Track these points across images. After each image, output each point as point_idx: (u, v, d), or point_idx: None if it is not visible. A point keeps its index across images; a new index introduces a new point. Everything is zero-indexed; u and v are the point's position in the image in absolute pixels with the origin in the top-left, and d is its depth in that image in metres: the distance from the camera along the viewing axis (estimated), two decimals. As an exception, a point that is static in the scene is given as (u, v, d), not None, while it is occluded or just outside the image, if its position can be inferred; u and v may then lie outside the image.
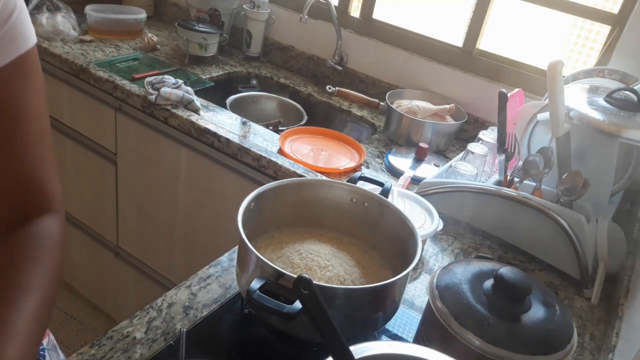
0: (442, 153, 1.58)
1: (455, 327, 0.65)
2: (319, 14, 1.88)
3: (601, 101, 1.12)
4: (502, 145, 1.18)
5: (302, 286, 0.53)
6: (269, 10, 1.95)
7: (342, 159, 1.42)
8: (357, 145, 1.47)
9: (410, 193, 1.09)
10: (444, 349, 0.57)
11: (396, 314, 0.78)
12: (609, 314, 1.01)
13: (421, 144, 1.47)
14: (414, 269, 0.83)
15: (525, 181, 1.18)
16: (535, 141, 1.28)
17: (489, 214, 1.16)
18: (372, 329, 0.75)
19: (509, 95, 1.30)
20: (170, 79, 1.52)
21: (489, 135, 1.34)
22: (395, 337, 0.85)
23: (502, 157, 1.19)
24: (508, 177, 1.19)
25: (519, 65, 1.62)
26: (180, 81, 1.53)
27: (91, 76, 1.61)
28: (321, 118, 1.81)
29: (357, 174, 0.93)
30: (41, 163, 0.59)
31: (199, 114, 1.48)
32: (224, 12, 1.97)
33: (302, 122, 1.70)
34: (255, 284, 0.63)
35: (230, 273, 0.92)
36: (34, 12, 1.76)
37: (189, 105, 1.49)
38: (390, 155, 1.46)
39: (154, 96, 1.47)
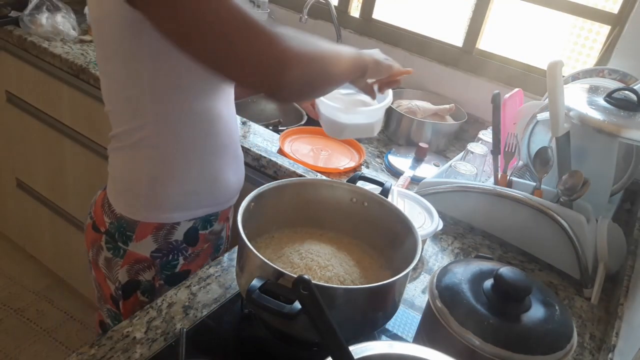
0: (442, 153, 1.58)
1: (455, 327, 0.65)
2: (318, 14, 1.88)
3: (601, 101, 1.12)
4: (496, 145, 1.18)
5: (301, 287, 0.53)
6: (269, 10, 1.95)
7: (342, 158, 1.42)
8: (357, 145, 1.47)
9: (410, 193, 1.09)
10: (444, 349, 0.57)
11: (396, 314, 0.79)
12: (609, 314, 1.01)
13: (421, 144, 1.47)
14: (414, 269, 0.84)
15: (525, 181, 1.18)
16: (535, 141, 1.28)
17: (489, 213, 1.16)
18: (372, 329, 0.75)
19: (508, 95, 1.30)
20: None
21: (489, 135, 1.34)
22: (395, 337, 0.85)
23: (497, 157, 1.20)
24: (508, 177, 1.19)
25: (518, 65, 1.62)
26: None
27: (91, 76, 1.61)
28: (321, 118, 1.81)
29: (357, 173, 0.93)
30: None
31: (199, 114, 1.48)
32: (224, 12, 1.97)
33: (302, 122, 1.70)
34: (255, 284, 0.63)
35: (230, 273, 0.92)
36: (34, 12, 1.76)
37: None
38: (390, 155, 1.46)
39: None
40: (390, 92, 1.11)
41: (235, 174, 1.02)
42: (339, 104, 1.09)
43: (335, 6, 1.85)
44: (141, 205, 0.93)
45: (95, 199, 1.00)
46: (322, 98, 1.08)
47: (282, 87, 0.70)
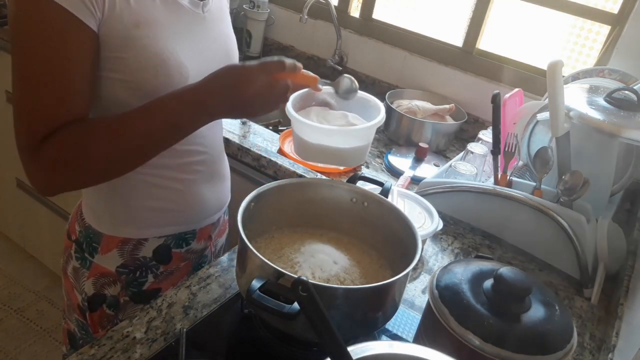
0: (442, 153, 1.58)
1: (455, 327, 0.65)
2: (318, 14, 1.88)
3: (601, 101, 1.12)
4: (496, 145, 1.18)
5: (300, 288, 0.53)
6: (269, 10, 1.95)
7: (342, 159, 1.41)
8: (357, 145, 1.47)
9: (410, 193, 1.09)
10: (444, 349, 0.57)
11: (396, 314, 0.78)
12: (609, 313, 1.01)
13: (421, 144, 1.47)
14: (414, 268, 0.84)
15: (525, 181, 1.18)
16: (535, 141, 1.28)
17: (489, 213, 1.16)
18: (372, 329, 0.75)
19: (508, 95, 1.30)
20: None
21: (489, 135, 1.34)
22: (395, 337, 0.85)
23: (497, 157, 1.20)
24: (508, 177, 1.19)
25: (519, 65, 1.62)
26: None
27: (91, 76, 1.61)
28: (321, 118, 1.81)
29: (357, 173, 0.93)
30: None
31: (199, 114, 1.48)
32: (224, 12, 1.97)
33: (302, 122, 1.70)
34: (255, 284, 0.63)
35: (230, 273, 0.92)
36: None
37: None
38: (390, 155, 1.46)
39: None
40: (381, 114, 0.89)
41: (213, 192, 0.97)
42: (315, 119, 0.86)
43: (335, 6, 1.85)
44: (105, 217, 0.90)
45: (77, 205, 0.98)
46: (290, 108, 0.86)
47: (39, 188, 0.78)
